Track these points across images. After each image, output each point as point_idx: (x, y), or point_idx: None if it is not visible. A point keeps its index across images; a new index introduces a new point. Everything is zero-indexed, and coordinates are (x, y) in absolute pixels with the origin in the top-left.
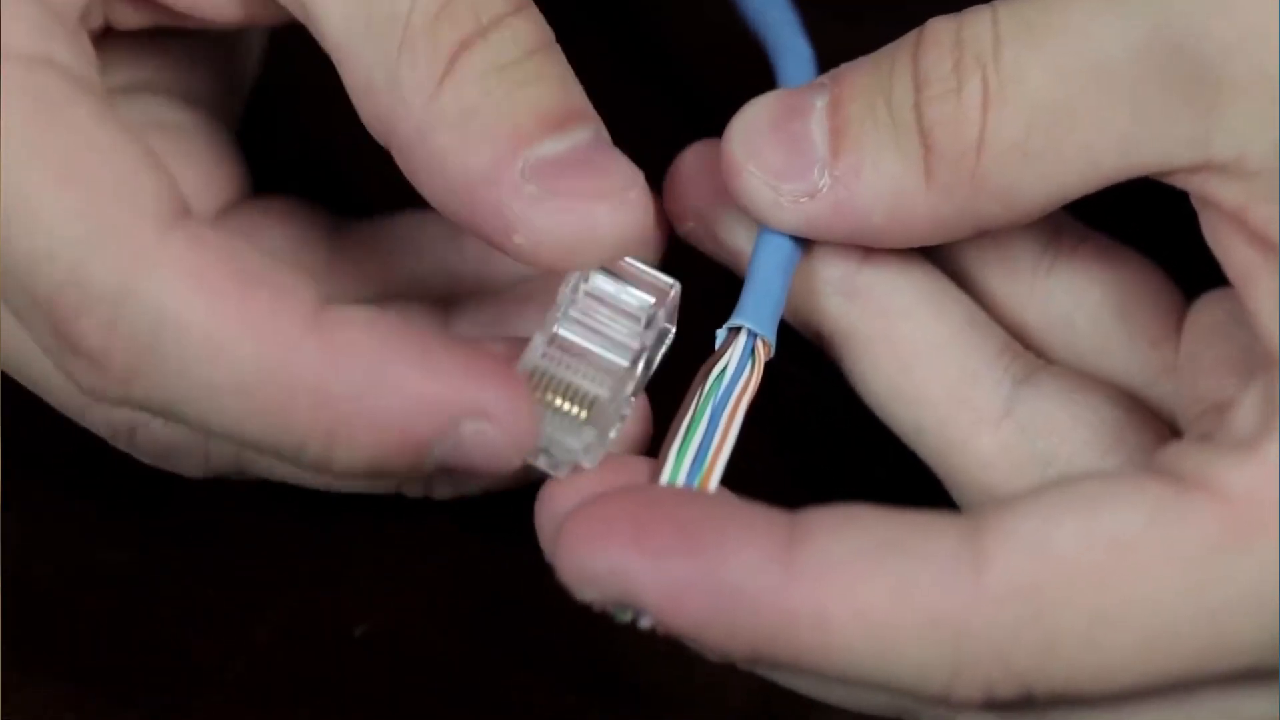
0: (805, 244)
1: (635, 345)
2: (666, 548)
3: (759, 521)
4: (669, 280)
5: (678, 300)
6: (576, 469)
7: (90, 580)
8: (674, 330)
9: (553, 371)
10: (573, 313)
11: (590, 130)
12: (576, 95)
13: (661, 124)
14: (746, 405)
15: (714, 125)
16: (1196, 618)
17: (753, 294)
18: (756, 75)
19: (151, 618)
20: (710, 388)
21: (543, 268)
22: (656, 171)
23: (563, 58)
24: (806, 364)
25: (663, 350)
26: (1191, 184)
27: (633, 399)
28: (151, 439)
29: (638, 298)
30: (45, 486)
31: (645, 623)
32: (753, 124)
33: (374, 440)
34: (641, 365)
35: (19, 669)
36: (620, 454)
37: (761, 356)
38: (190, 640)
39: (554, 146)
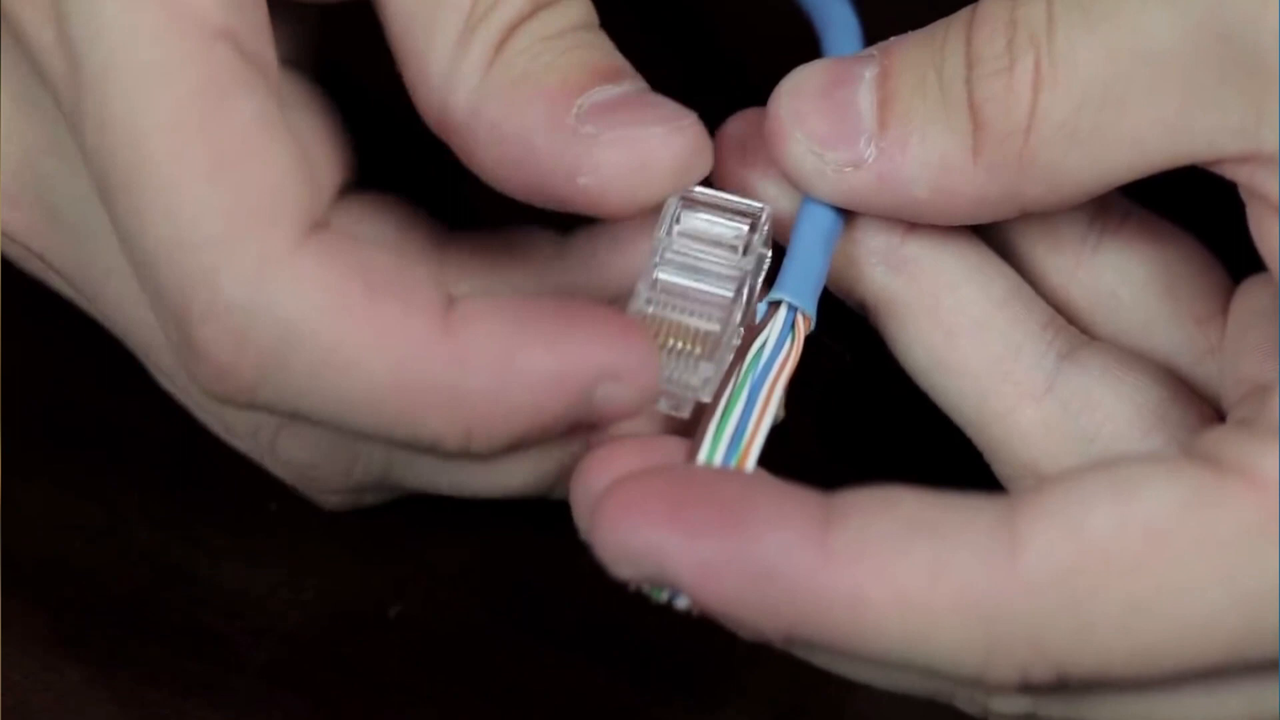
0: (848, 216)
1: (736, 274)
2: (702, 526)
3: (795, 502)
4: (758, 204)
5: (770, 222)
6: (695, 404)
7: (123, 559)
8: (769, 254)
9: (661, 315)
10: (669, 255)
11: (640, 83)
12: (622, 60)
13: (706, 98)
14: (786, 381)
15: (758, 100)
16: (1231, 605)
17: (794, 268)
18: (801, 48)
19: (184, 597)
20: (749, 364)
21: (612, 212)
22: None
23: (607, 38)
24: (846, 340)
25: (762, 274)
26: (1239, 175)
27: (741, 328)
28: (295, 444)
29: (730, 227)
30: (79, 462)
31: (681, 603)
32: (800, 89)
33: (509, 428)
34: (745, 293)
35: (50, 648)
36: (654, 434)
37: (802, 331)
38: (222, 621)
39: (606, 92)
